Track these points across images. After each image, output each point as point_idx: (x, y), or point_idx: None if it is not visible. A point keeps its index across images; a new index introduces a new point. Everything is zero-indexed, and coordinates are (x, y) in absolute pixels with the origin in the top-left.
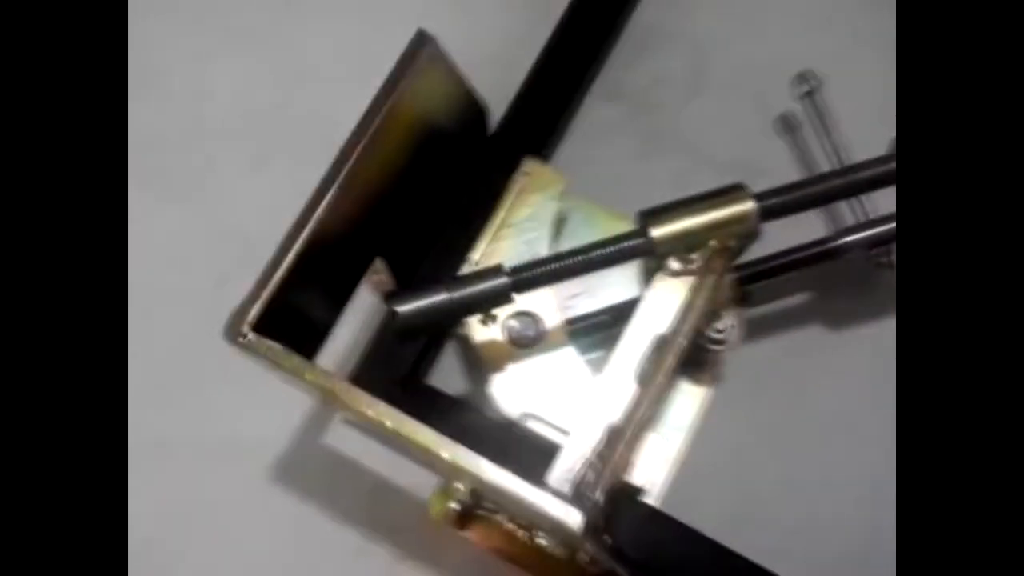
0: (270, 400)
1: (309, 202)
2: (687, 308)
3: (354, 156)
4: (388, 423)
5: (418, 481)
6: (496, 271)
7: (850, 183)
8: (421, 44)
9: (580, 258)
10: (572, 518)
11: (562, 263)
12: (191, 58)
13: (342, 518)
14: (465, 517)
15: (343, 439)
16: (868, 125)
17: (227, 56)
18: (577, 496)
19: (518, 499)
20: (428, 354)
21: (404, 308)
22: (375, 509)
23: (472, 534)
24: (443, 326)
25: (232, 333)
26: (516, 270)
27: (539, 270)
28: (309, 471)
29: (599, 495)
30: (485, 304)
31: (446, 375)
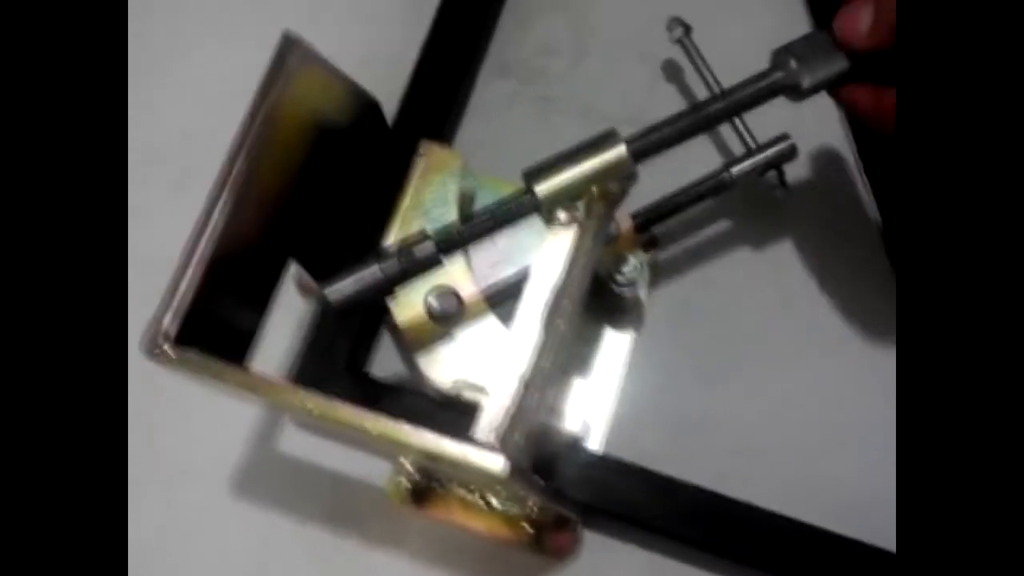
0: (213, 416)
1: (202, 213)
2: (575, 253)
3: (237, 165)
4: (313, 408)
5: (373, 471)
6: (420, 237)
7: (709, 114)
8: (288, 48)
9: (489, 217)
10: (495, 463)
11: (479, 221)
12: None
13: (307, 518)
14: (421, 494)
15: (296, 444)
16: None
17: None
18: (502, 444)
19: (445, 456)
20: (364, 344)
21: (338, 287)
22: (338, 504)
23: (431, 510)
24: (380, 297)
25: (149, 345)
26: (439, 233)
27: (461, 230)
28: (268, 479)
29: (519, 437)
30: (416, 270)
31: (386, 362)
